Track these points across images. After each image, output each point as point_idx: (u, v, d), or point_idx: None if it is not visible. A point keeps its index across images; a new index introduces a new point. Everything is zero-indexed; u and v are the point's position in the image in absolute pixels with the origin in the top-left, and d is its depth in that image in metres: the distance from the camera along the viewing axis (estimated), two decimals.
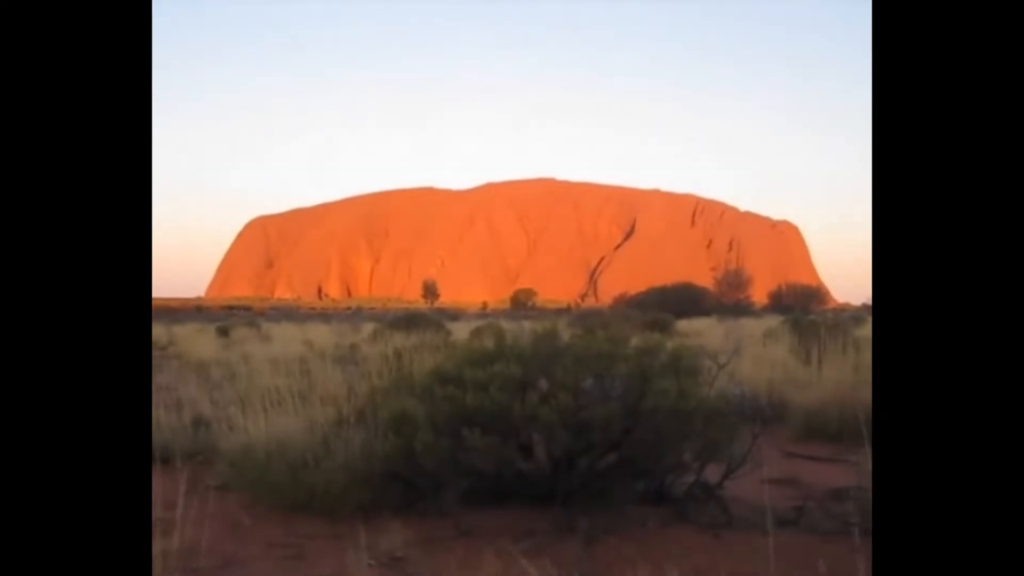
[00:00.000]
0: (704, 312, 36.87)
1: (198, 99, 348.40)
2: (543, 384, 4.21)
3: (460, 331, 18.02)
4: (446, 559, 3.47)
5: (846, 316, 26.94)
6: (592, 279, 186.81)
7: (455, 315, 45.70)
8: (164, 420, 5.99)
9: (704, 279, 72.08)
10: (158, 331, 22.14)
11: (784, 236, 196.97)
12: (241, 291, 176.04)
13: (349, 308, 70.71)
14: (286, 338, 19.62)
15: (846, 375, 6.99)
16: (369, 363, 7.76)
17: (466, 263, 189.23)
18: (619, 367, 4.22)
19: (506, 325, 19.39)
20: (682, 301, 41.22)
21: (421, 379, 4.74)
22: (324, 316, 49.26)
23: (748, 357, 9.09)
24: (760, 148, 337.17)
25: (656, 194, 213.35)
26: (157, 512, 3.84)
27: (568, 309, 62.11)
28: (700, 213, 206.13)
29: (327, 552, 3.73)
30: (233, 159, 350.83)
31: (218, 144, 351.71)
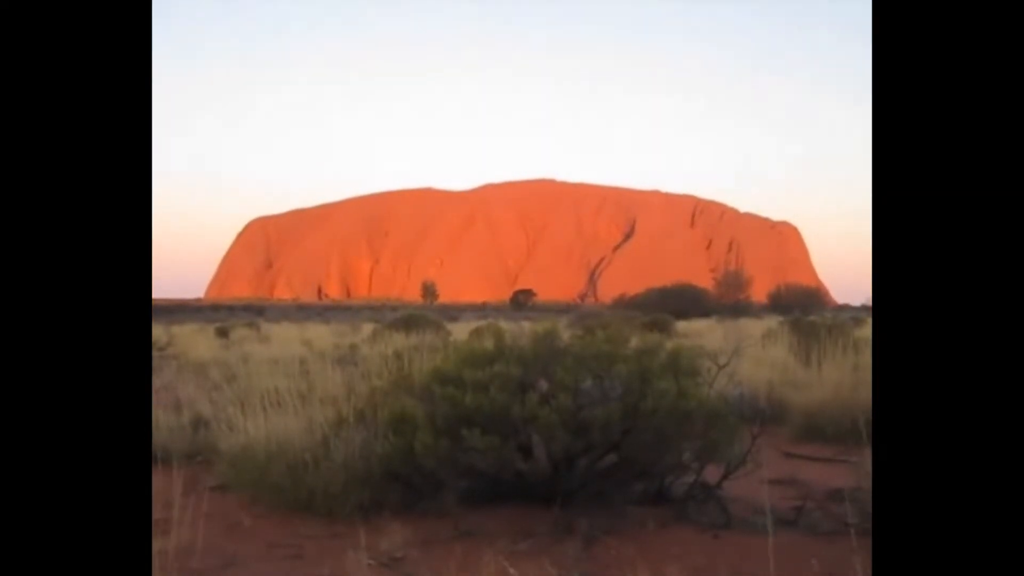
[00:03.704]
0: (704, 312, 36.91)
1: (198, 99, 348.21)
2: (543, 385, 4.21)
3: (460, 331, 18.02)
4: (445, 559, 3.47)
5: (846, 316, 26.94)
6: (592, 279, 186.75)
7: (455, 315, 45.69)
8: (164, 420, 5.99)
9: (704, 279, 72.16)
10: (157, 331, 22.14)
11: (784, 236, 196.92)
12: (241, 291, 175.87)
13: (350, 308, 70.75)
14: (285, 338, 19.62)
15: (846, 375, 6.99)
16: (369, 363, 7.76)
17: (466, 263, 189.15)
18: (619, 368, 4.23)
19: (505, 325, 19.39)
20: (682, 301, 41.28)
21: (420, 379, 4.74)
22: (324, 316, 49.28)
23: (747, 358, 9.09)
24: (760, 148, 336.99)
25: (655, 194, 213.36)
26: (157, 512, 3.83)
27: (568, 309, 62.15)
28: (700, 213, 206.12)
29: (327, 552, 3.73)
30: (234, 159, 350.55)
31: (218, 144, 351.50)
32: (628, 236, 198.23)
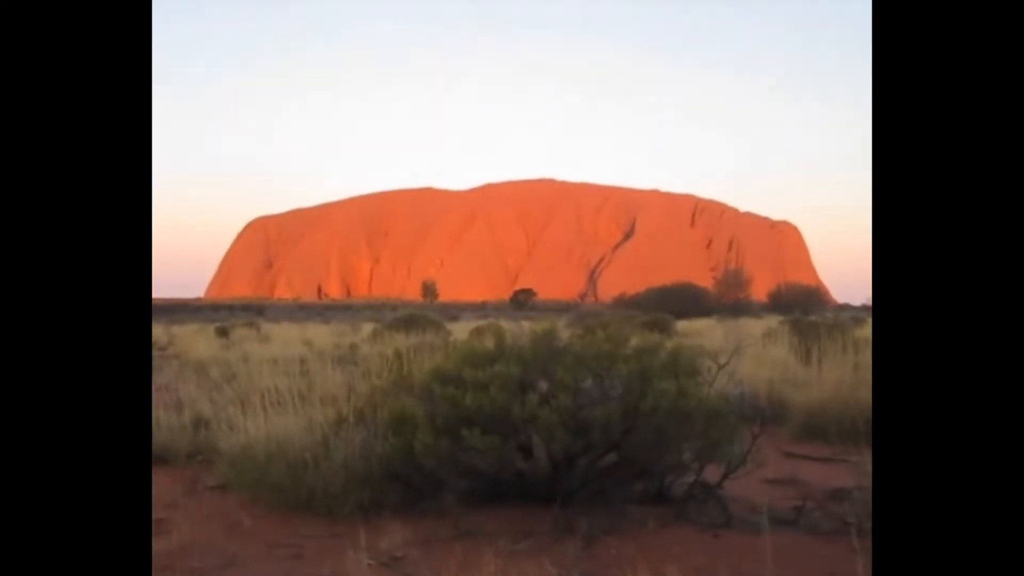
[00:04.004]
0: (704, 312, 36.91)
1: (199, 99, 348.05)
2: (543, 384, 4.21)
3: (460, 331, 18.03)
4: (445, 559, 3.47)
5: (846, 316, 26.94)
6: (592, 279, 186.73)
7: (455, 314, 45.71)
8: (164, 420, 5.99)
9: (704, 279, 72.16)
10: (157, 331, 22.15)
11: (784, 236, 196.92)
12: (241, 291, 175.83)
13: (349, 308, 70.77)
14: (285, 338, 19.63)
15: (846, 375, 6.99)
16: (369, 363, 7.76)
17: (466, 263, 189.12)
18: (619, 367, 4.23)
19: (506, 325, 19.39)
20: (682, 301, 41.29)
21: (421, 379, 4.74)
22: (324, 315, 49.30)
23: (748, 357, 9.09)
24: (760, 147, 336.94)
25: (656, 194, 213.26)
26: (157, 512, 3.84)
27: (568, 308, 62.14)
28: (700, 213, 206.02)
29: (327, 552, 3.73)
30: (234, 159, 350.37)
31: (219, 144, 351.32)
32: (628, 235, 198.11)
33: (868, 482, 3.76)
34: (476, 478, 4.27)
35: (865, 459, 4.06)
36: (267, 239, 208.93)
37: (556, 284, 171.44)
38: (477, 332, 14.54)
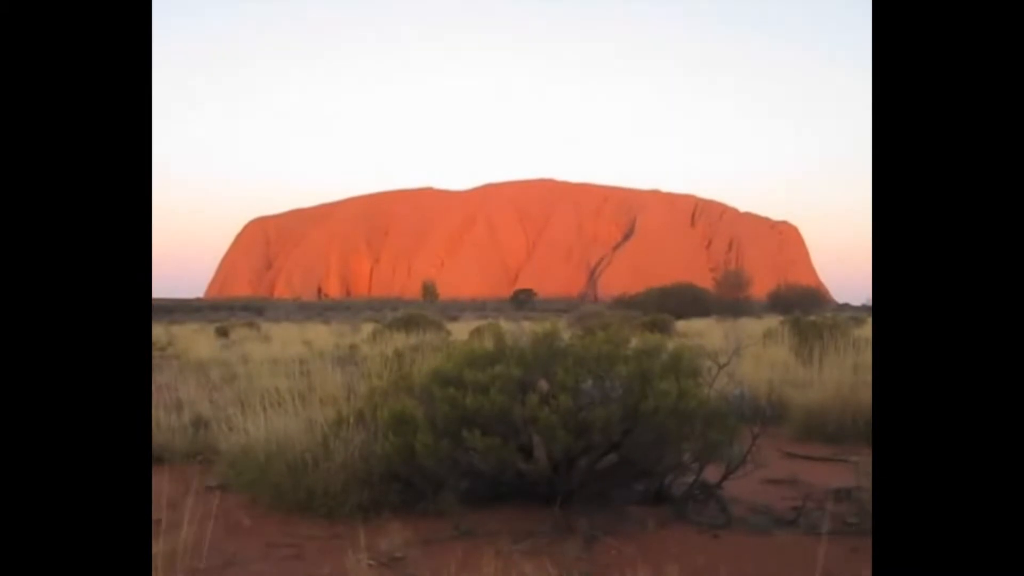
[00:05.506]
0: (704, 312, 36.92)
1: (198, 98, 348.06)
2: (543, 385, 4.21)
3: (460, 331, 18.03)
4: (446, 559, 3.47)
5: (846, 316, 26.95)
6: (592, 279, 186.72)
7: (455, 314, 45.73)
8: (164, 420, 6.00)
9: (704, 279, 72.23)
10: (157, 331, 22.16)
11: (784, 236, 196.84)
12: (240, 291, 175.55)
13: (349, 308, 70.78)
14: (285, 338, 19.64)
15: (846, 375, 7.00)
16: (369, 363, 7.76)
17: (466, 263, 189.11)
18: (619, 368, 4.23)
19: (506, 325, 19.40)
20: (682, 301, 41.31)
21: (421, 380, 4.74)
22: (324, 315, 49.33)
23: (748, 357, 9.10)
24: (760, 148, 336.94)
25: (656, 194, 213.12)
26: (157, 512, 3.83)
27: (568, 308, 62.15)
28: (700, 213, 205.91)
29: (327, 552, 3.73)
30: (233, 159, 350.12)
31: (218, 143, 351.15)
32: (628, 236, 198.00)
33: (868, 482, 3.76)
34: (476, 478, 4.27)
35: (865, 459, 4.06)
36: (267, 239, 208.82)
37: (556, 284, 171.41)
38: (477, 332, 14.54)
